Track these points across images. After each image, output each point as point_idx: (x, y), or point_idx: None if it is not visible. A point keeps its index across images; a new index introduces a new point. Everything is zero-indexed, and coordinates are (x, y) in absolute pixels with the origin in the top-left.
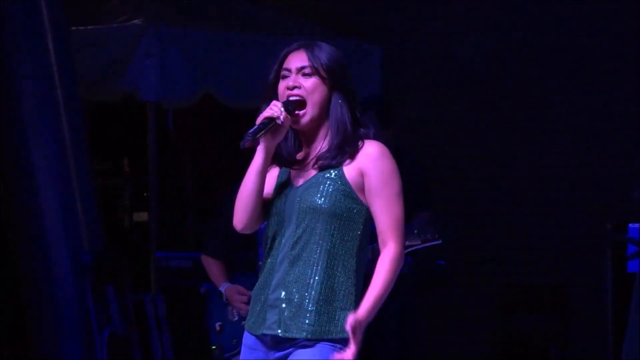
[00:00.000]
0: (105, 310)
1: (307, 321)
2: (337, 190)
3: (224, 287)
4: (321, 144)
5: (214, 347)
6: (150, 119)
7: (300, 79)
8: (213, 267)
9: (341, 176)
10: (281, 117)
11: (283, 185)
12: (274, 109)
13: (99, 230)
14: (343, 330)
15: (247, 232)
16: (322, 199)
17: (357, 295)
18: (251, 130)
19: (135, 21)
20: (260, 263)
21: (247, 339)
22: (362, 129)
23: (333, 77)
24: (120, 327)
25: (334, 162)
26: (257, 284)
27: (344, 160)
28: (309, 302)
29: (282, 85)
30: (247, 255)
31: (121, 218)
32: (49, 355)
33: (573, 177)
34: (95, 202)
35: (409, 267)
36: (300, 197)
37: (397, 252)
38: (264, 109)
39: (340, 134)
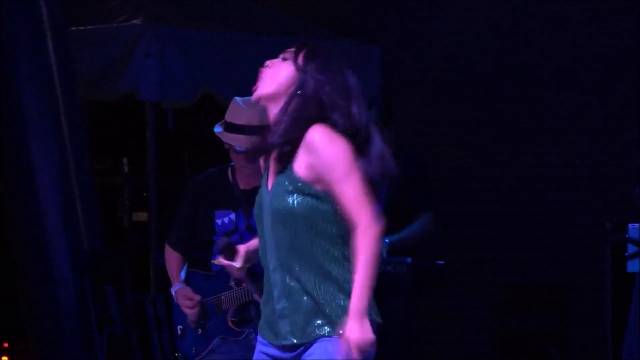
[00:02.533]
0: (105, 310)
1: (319, 322)
2: (294, 192)
3: (174, 288)
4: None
5: (177, 354)
6: (150, 118)
7: (275, 60)
8: (170, 258)
9: (294, 177)
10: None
11: (262, 188)
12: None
13: (99, 230)
14: (335, 323)
15: None
16: (285, 204)
17: (348, 290)
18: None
19: (135, 21)
20: (213, 262)
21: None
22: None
23: (309, 67)
24: (120, 327)
25: (282, 153)
26: (264, 290)
27: (291, 153)
28: (314, 306)
29: None
30: (203, 250)
31: (121, 218)
32: (49, 356)
33: (573, 177)
34: (95, 202)
35: (409, 267)
36: (270, 204)
37: (365, 225)
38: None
39: (287, 131)
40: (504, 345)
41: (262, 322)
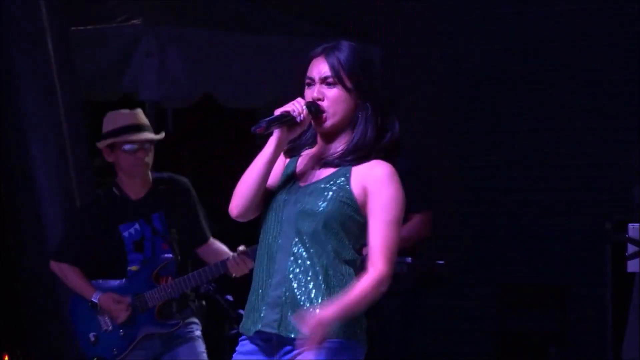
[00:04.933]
0: None
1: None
2: (339, 198)
3: (96, 297)
4: (338, 148)
5: (95, 359)
6: (149, 118)
7: (324, 88)
8: (73, 274)
9: (347, 187)
10: (301, 115)
11: (288, 181)
12: (296, 106)
13: None
14: (341, 331)
15: (241, 219)
16: (324, 204)
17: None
18: (268, 119)
19: (135, 21)
20: (130, 268)
21: (244, 345)
22: (383, 140)
23: (358, 86)
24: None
25: (338, 161)
26: (256, 274)
27: (350, 166)
28: (310, 304)
29: (307, 93)
30: (116, 261)
31: None
32: (49, 356)
33: (573, 177)
34: None
35: (409, 267)
36: (303, 200)
37: (383, 274)
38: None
39: (360, 147)
40: (503, 344)
41: (245, 319)
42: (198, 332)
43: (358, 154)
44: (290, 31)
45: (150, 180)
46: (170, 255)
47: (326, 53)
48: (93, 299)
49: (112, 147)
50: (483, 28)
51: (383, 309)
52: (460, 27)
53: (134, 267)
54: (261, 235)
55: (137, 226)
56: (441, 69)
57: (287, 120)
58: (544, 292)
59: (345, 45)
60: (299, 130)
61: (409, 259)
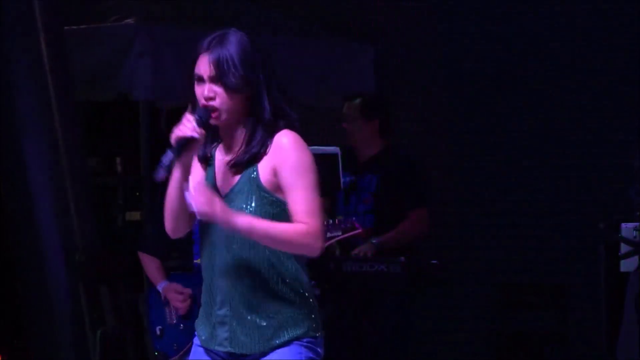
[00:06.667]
0: (99, 309)
1: (262, 336)
2: (259, 199)
3: (161, 285)
4: (238, 141)
5: (156, 352)
6: (143, 118)
7: (214, 87)
8: (150, 264)
9: (259, 183)
10: (195, 134)
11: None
12: (187, 126)
13: (92, 230)
14: (297, 328)
15: (179, 236)
16: (249, 211)
17: (303, 290)
18: (164, 162)
19: (129, 21)
20: (196, 261)
21: (200, 350)
22: (280, 121)
23: (245, 80)
24: (113, 327)
25: (245, 158)
26: (203, 291)
27: (258, 157)
28: (258, 317)
29: (198, 90)
30: (184, 255)
31: (114, 217)
32: (43, 355)
33: (572, 177)
34: (89, 202)
35: (402, 266)
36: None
37: (311, 227)
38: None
39: (256, 138)
40: (502, 344)
41: (200, 319)
42: None
43: (256, 149)
44: (290, 31)
45: None
46: None
47: (211, 49)
48: (158, 287)
49: None
50: (483, 28)
51: (380, 309)
52: (460, 27)
53: (199, 260)
54: (201, 250)
55: None
56: (441, 69)
57: (185, 145)
58: (544, 292)
59: (230, 38)
60: (197, 146)
61: (402, 259)
